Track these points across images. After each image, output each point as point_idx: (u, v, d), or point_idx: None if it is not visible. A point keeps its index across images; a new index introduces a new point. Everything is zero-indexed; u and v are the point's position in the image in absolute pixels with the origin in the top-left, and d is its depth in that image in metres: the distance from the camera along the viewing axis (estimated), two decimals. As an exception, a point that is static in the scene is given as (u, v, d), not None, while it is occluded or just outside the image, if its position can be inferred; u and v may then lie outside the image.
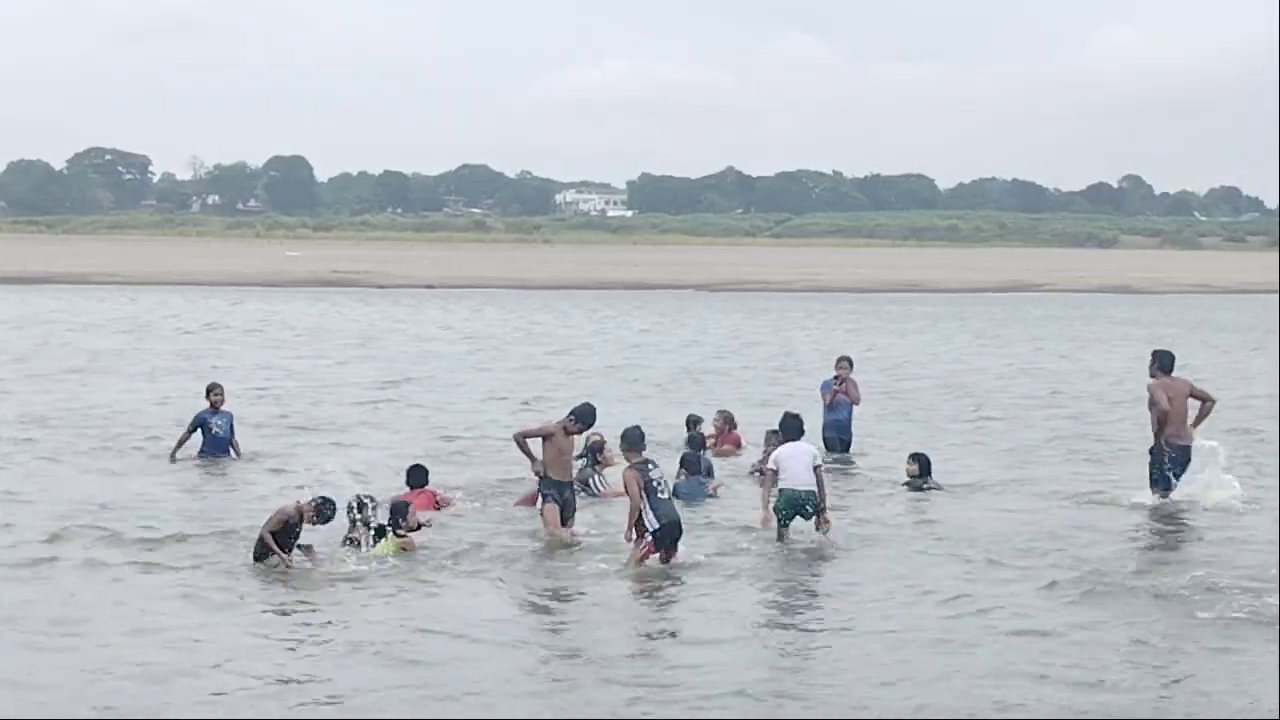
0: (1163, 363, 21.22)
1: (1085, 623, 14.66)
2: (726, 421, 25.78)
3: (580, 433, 19.28)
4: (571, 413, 18.69)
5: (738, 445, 24.97)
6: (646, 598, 16.02)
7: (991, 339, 57.01)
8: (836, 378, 25.83)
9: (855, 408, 25.91)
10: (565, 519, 18.35)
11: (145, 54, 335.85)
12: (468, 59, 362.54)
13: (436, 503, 21.20)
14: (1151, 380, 21.07)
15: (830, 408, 25.65)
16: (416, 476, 21.46)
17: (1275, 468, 19.67)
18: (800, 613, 15.43)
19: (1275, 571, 14.21)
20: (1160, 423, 20.60)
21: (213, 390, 24.58)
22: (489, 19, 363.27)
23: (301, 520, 17.29)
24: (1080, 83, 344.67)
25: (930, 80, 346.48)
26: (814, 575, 17.22)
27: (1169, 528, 19.89)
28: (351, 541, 17.94)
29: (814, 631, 14.67)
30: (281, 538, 17.18)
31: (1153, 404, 20.71)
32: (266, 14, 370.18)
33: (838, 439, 25.42)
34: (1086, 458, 26.23)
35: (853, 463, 24.67)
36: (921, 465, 22.36)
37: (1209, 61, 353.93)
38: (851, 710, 12.05)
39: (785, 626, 14.88)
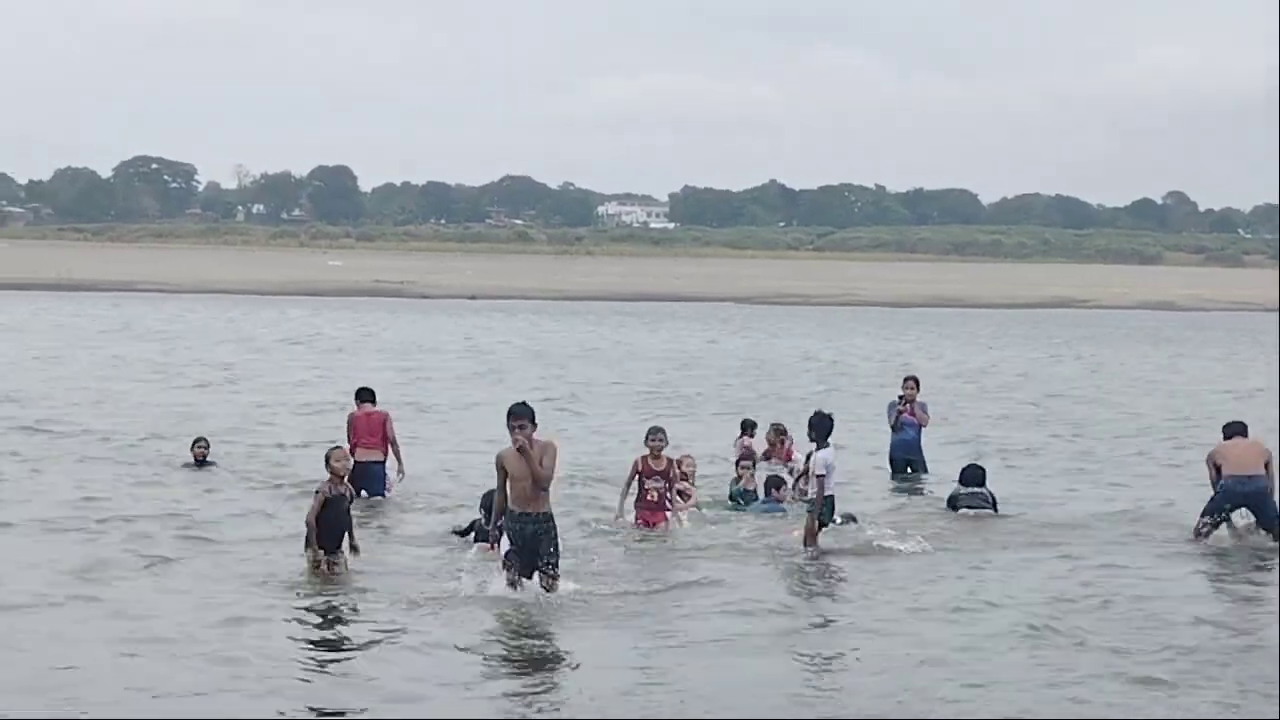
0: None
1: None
2: (779, 434, 25.40)
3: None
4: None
5: (788, 459, 24.58)
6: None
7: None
8: (902, 398, 25.33)
9: (924, 429, 25.40)
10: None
11: (191, 63, 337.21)
12: (510, 71, 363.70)
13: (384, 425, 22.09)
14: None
15: (896, 429, 25.25)
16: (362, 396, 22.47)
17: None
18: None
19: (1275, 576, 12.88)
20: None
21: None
22: (531, 32, 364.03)
23: (345, 496, 16.95)
24: (1125, 98, 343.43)
25: (973, 94, 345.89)
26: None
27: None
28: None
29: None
30: (330, 520, 16.78)
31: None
32: (312, 25, 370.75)
33: (904, 460, 25.13)
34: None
35: (920, 488, 24.20)
36: (968, 478, 21.49)
37: (1255, 81, 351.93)
38: None
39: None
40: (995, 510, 21.20)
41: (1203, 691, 12.95)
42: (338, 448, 17.89)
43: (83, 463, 25.18)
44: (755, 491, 21.76)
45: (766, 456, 23.87)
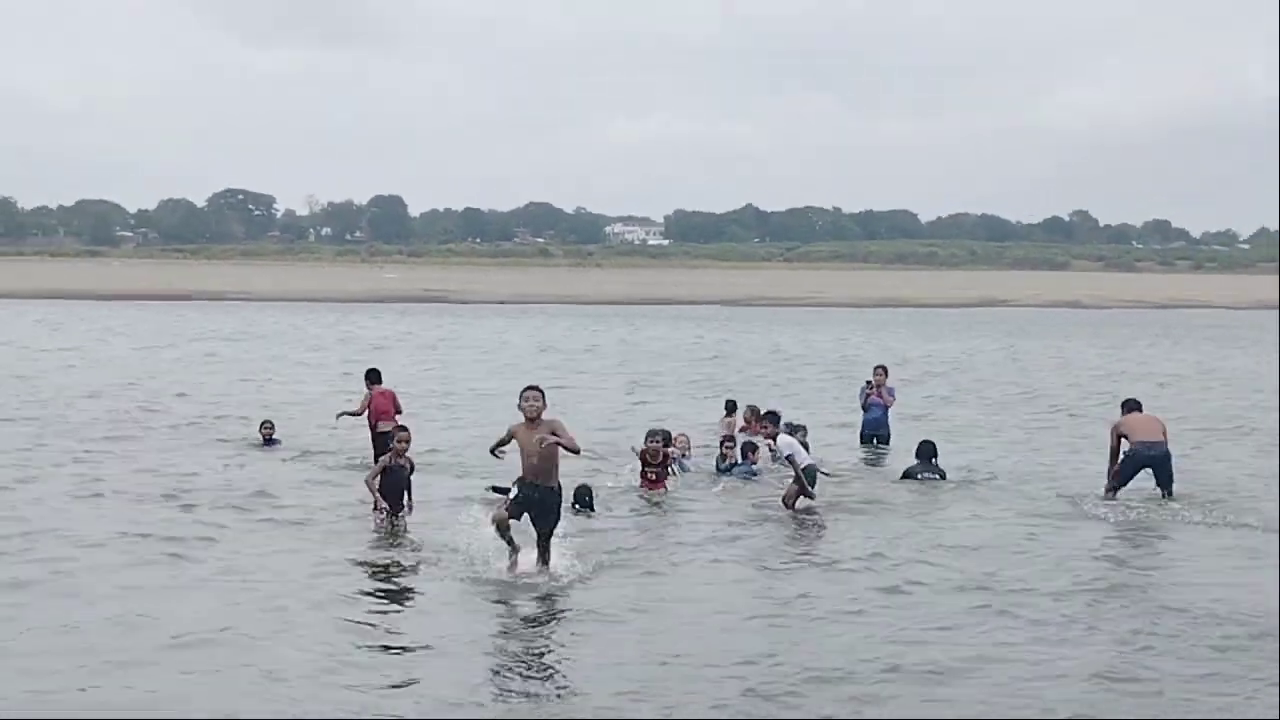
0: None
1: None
2: (755, 413, 25.09)
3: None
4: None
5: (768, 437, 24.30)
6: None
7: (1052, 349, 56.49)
8: (869, 383, 25.40)
9: (890, 409, 25.24)
10: None
11: (270, 106, 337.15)
12: (535, 112, 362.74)
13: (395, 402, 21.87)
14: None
15: (866, 409, 25.17)
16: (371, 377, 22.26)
17: (1275, 466, 17.55)
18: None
19: (1275, 570, 12.27)
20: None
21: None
22: (555, 82, 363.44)
23: (404, 467, 17.01)
24: (1041, 133, 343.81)
25: (916, 130, 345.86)
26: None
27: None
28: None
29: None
30: (390, 483, 16.95)
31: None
32: (369, 71, 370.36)
33: (872, 434, 24.90)
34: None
35: (885, 460, 23.59)
36: (922, 451, 21.04)
37: (1149, 116, 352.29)
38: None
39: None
40: (944, 479, 20.68)
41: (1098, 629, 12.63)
42: (403, 429, 17.80)
43: (176, 437, 24.94)
44: (735, 462, 21.37)
45: (743, 430, 23.63)
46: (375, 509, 17.01)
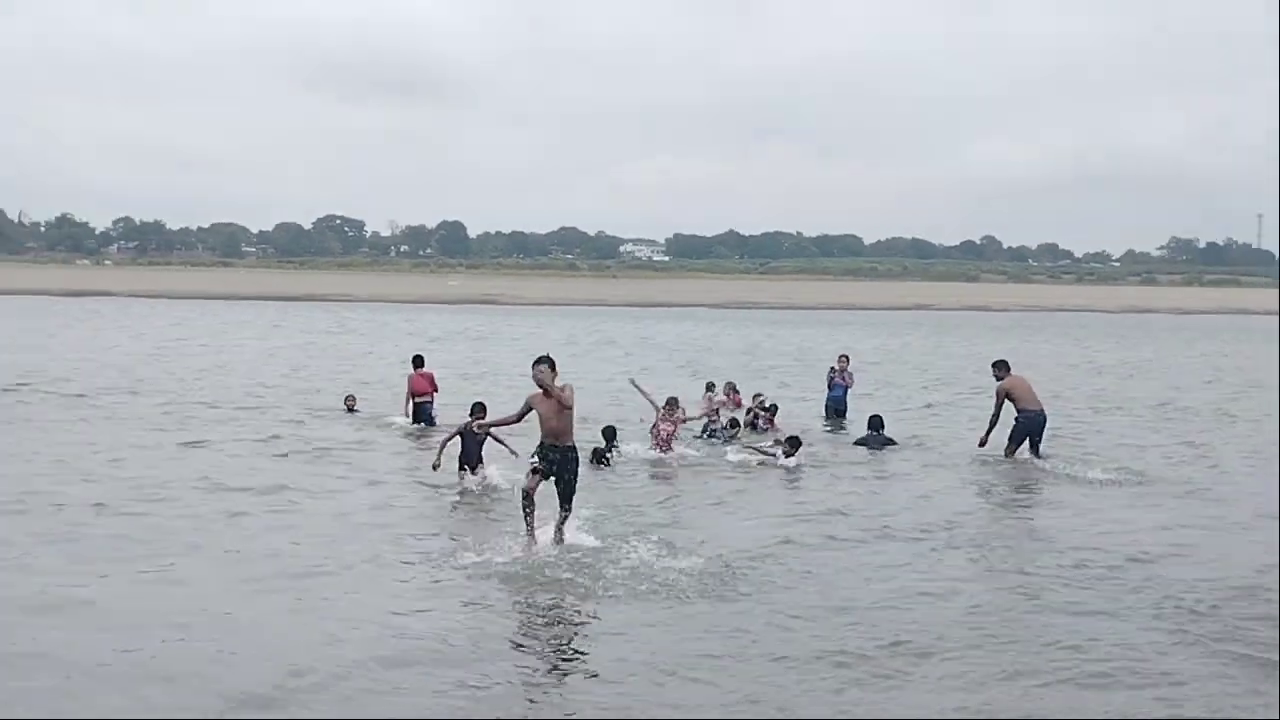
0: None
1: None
2: (732, 389, 25.01)
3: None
4: None
5: (738, 405, 24.06)
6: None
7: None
8: (833, 369, 25.19)
9: (850, 389, 24.99)
10: None
11: (363, 150, 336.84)
12: (566, 158, 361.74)
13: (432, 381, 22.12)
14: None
15: (830, 388, 24.94)
16: (416, 362, 22.32)
17: (1275, 463, 16.99)
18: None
19: (1275, 568, 11.29)
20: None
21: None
22: (581, 133, 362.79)
23: (476, 434, 15.66)
24: (957, 175, 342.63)
25: (861, 172, 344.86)
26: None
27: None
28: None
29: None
30: (469, 447, 16.11)
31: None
32: (437, 123, 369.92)
33: (835, 410, 24.54)
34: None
35: (845, 429, 23.20)
36: (873, 424, 20.81)
37: (1041, 163, 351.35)
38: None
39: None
40: (890, 444, 20.40)
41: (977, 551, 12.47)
42: (479, 403, 16.80)
43: (281, 408, 24.81)
44: (717, 429, 21.13)
45: (723, 404, 23.54)
46: (434, 467, 15.94)
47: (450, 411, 21.96)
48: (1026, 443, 18.98)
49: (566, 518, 12.44)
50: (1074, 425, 23.56)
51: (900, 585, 11.39)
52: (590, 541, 12.39)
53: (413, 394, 21.90)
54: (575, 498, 12.52)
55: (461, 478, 16.10)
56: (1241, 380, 37.16)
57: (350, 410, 23.71)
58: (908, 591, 11.12)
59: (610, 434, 18.56)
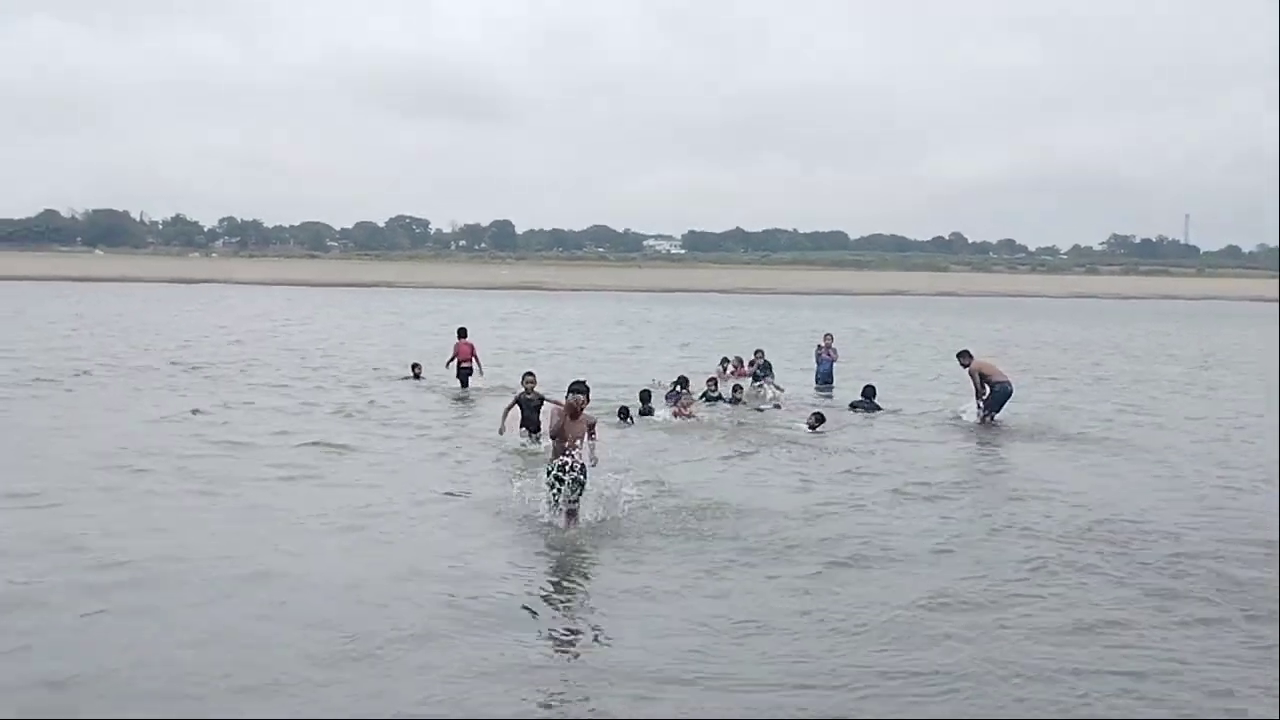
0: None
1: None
2: (739, 361, 24.78)
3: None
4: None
5: (742, 375, 23.79)
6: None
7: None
8: (819, 346, 24.88)
9: (835, 363, 24.60)
10: None
11: (424, 159, 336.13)
12: (597, 166, 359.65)
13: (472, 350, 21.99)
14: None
15: (819, 361, 24.60)
16: (460, 334, 22.37)
17: (1275, 461, 15.79)
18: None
19: (1275, 561, 10.27)
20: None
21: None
22: (608, 145, 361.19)
23: (534, 400, 14.88)
24: (929, 178, 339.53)
25: (847, 177, 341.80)
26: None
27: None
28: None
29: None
30: (527, 415, 14.96)
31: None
32: (487, 134, 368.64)
33: (824, 381, 24.16)
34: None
35: (831, 396, 22.66)
36: (866, 393, 20.39)
37: (1001, 169, 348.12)
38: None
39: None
40: (878, 410, 19.97)
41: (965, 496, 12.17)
42: (529, 373, 15.57)
43: (358, 374, 24.66)
44: (722, 395, 20.68)
45: (732, 374, 23.56)
46: (500, 431, 14.62)
47: (501, 377, 21.80)
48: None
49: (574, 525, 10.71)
50: (1037, 396, 23.16)
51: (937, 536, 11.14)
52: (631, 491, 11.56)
53: (457, 357, 22.11)
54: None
55: (523, 442, 14.99)
56: (1184, 355, 36.65)
57: (416, 377, 23.58)
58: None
59: (645, 396, 18.48)
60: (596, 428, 10.94)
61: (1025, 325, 55.03)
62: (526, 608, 8.53)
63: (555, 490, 10.66)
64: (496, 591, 8.85)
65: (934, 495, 12.81)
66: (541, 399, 15.05)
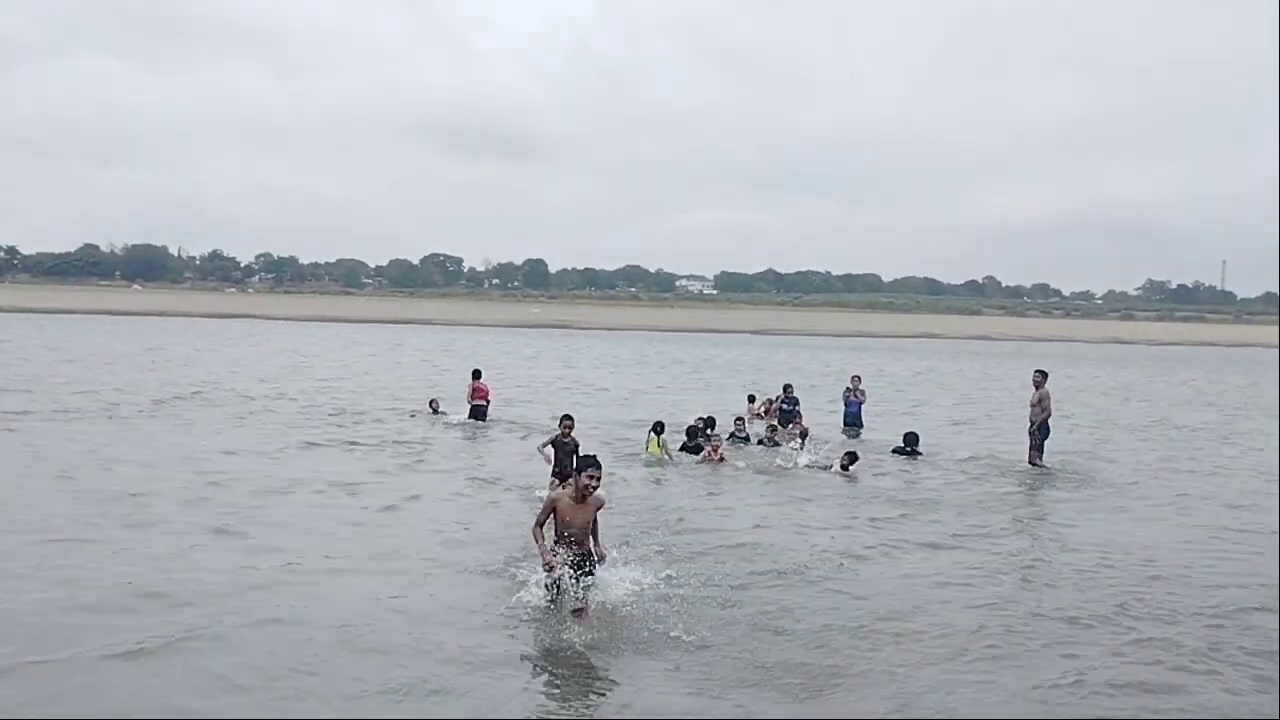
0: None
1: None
2: (768, 402, 24.36)
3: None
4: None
5: (771, 415, 23.46)
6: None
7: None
8: (847, 388, 24.42)
9: (863, 405, 24.14)
10: None
11: (463, 199, 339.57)
12: (632, 205, 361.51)
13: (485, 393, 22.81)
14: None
15: (847, 404, 24.09)
16: (475, 375, 23.11)
17: (1275, 471, 15.80)
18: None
19: (1276, 573, 10.10)
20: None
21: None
22: (644, 185, 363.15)
23: (570, 444, 13.97)
24: (963, 222, 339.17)
25: (880, 220, 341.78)
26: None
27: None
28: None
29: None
30: (562, 460, 13.90)
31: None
32: (524, 175, 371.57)
33: (851, 424, 23.60)
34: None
35: (860, 438, 22.07)
36: (908, 440, 19.59)
37: (1036, 213, 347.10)
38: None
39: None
40: (920, 455, 19.34)
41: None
42: (567, 416, 14.53)
43: (389, 411, 24.35)
44: (749, 436, 20.31)
45: (761, 415, 23.12)
46: (545, 457, 14.41)
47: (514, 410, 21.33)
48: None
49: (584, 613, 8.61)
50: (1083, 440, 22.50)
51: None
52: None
53: (472, 397, 22.85)
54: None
55: (552, 486, 13.65)
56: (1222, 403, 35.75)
57: (435, 411, 23.75)
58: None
59: (691, 433, 18.75)
60: (605, 508, 8.84)
61: (1063, 369, 54.11)
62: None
63: (556, 593, 8.59)
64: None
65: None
66: (577, 445, 14.10)
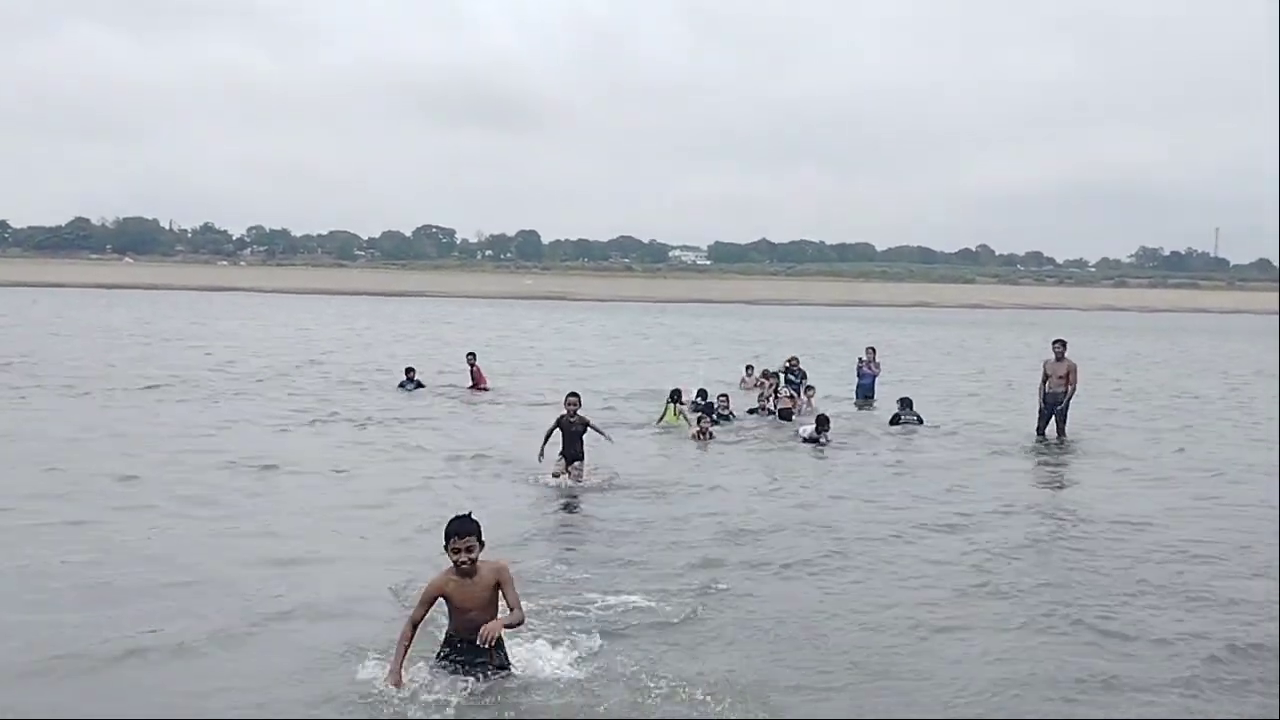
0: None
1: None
2: (765, 375, 24.02)
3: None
4: None
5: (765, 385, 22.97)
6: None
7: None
8: (860, 359, 24.23)
9: (877, 377, 23.83)
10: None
11: (456, 168, 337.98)
12: (626, 176, 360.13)
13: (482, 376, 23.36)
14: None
15: (860, 375, 23.82)
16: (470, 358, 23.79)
17: (1275, 466, 15.09)
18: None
19: (1275, 571, 9.61)
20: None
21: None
22: (638, 154, 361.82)
23: (577, 424, 13.20)
24: (956, 191, 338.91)
25: (874, 188, 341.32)
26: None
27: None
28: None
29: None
30: (568, 441, 13.17)
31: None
32: (519, 145, 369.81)
33: (865, 395, 23.38)
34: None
35: (874, 409, 21.82)
36: (903, 404, 19.41)
37: (1028, 181, 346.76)
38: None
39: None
40: (920, 423, 19.05)
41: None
42: (573, 394, 13.72)
43: (369, 383, 23.81)
44: (733, 414, 19.49)
45: (757, 385, 22.92)
46: (539, 457, 13.14)
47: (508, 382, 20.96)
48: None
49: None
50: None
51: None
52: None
53: (474, 377, 23.56)
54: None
55: (557, 472, 13.05)
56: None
57: (412, 383, 23.06)
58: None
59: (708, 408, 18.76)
60: (510, 582, 6.46)
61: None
62: None
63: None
64: None
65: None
66: (585, 424, 13.34)
